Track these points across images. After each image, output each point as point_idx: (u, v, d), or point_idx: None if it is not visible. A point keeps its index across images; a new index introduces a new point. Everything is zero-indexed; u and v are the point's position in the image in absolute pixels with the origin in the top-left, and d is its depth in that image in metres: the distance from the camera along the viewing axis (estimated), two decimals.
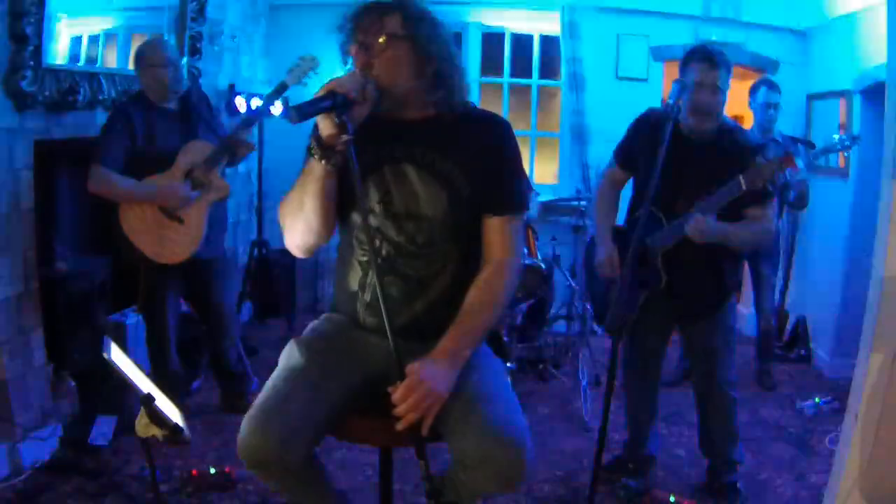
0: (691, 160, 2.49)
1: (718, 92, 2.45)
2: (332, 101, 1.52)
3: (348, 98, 1.53)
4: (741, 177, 2.34)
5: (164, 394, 3.11)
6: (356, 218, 1.74)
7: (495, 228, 1.77)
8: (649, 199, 2.28)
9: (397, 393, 1.53)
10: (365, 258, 1.77)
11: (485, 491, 1.65)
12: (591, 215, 2.84)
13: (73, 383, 3.15)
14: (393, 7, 1.67)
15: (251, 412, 1.61)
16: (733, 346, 2.78)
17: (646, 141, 2.55)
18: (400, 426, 1.52)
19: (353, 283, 1.82)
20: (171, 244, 3.02)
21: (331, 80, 1.56)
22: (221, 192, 3.13)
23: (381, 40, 1.64)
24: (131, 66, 3.57)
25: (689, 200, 2.48)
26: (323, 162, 1.60)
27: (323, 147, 1.59)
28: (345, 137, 1.54)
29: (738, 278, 2.95)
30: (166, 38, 3.82)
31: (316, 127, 1.61)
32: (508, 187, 1.79)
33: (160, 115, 3.04)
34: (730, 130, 2.55)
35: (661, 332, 2.84)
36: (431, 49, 1.68)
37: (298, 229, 1.71)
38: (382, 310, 1.57)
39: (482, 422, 1.56)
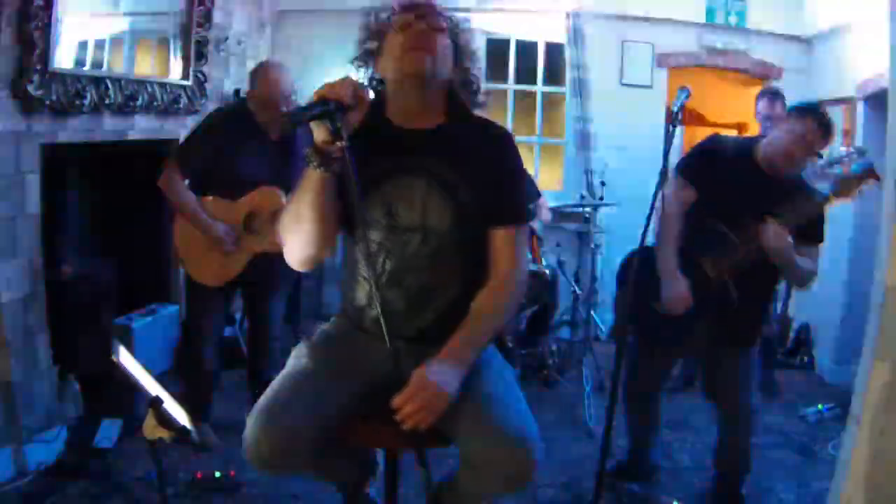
0: (770, 191, 2.51)
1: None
2: (326, 107, 1.50)
3: (342, 103, 1.51)
4: (829, 188, 2.42)
5: (192, 392, 3.12)
6: (359, 232, 1.67)
7: (500, 241, 1.76)
8: (719, 218, 2.42)
9: (402, 395, 1.53)
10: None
11: (492, 491, 1.66)
12: (658, 240, 2.60)
13: (78, 386, 3.16)
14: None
15: (255, 413, 1.61)
16: (756, 374, 2.81)
17: (724, 167, 2.58)
18: (407, 425, 1.52)
19: (362, 298, 1.80)
20: (207, 267, 3.01)
21: (323, 86, 1.54)
22: (274, 247, 3.03)
23: (442, 25, 1.69)
24: (138, 72, 3.60)
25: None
26: (321, 170, 1.57)
27: (320, 154, 1.56)
28: (340, 143, 1.51)
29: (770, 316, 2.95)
30: (172, 43, 3.85)
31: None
32: (511, 198, 1.78)
33: (258, 142, 2.80)
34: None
35: (675, 358, 2.87)
36: (465, 57, 1.75)
37: (297, 242, 1.68)
38: (385, 332, 1.56)
39: (490, 422, 1.56)
